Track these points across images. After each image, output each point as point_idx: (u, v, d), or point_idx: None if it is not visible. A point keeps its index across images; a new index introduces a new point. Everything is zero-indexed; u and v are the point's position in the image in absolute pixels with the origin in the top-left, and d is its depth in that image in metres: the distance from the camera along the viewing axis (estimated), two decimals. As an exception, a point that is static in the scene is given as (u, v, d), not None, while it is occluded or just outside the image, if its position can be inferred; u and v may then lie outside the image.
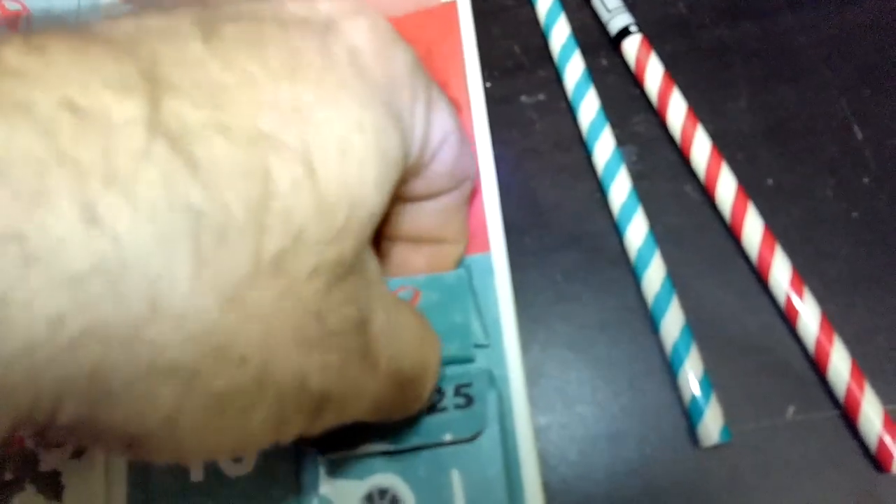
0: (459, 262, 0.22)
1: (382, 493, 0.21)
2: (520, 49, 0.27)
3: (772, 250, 0.23)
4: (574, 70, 0.26)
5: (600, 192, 0.25)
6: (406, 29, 0.25)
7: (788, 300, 0.22)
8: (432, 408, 0.20)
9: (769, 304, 0.23)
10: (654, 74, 0.25)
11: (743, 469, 0.22)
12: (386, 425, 0.20)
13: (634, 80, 0.26)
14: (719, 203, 0.24)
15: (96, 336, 0.10)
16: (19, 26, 0.29)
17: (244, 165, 0.12)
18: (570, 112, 0.26)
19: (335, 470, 0.21)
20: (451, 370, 0.22)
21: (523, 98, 0.27)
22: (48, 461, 0.23)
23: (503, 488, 0.20)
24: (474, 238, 0.23)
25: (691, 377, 0.22)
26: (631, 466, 0.22)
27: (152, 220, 0.11)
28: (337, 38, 0.15)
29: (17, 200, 0.10)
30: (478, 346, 0.22)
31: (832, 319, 0.22)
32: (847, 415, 0.21)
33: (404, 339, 0.16)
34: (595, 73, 0.26)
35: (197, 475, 0.22)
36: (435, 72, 0.25)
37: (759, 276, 0.23)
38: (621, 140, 0.25)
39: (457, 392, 0.21)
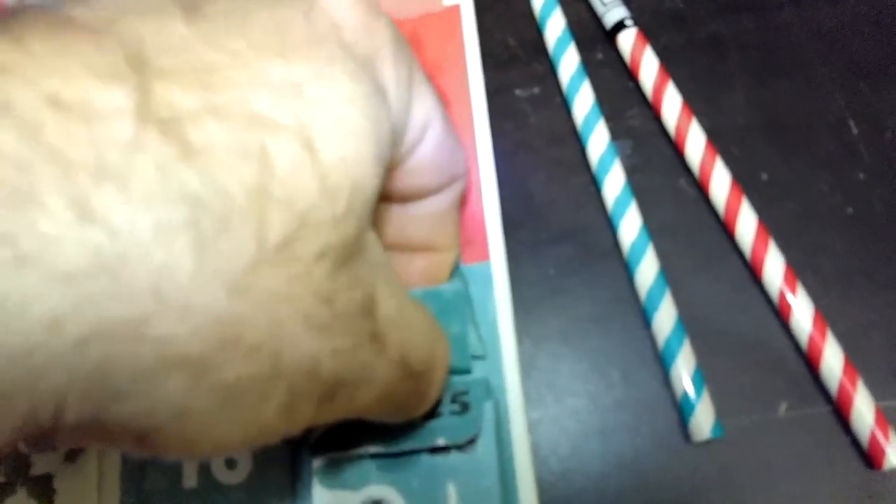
0: (453, 271, 0.22)
1: None
2: (515, 42, 0.27)
3: (765, 245, 0.22)
4: (569, 63, 0.26)
5: (594, 185, 0.25)
6: (409, 33, 0.25)
7: (782, 295, 0.22)
8: (427, 413, 0.20)
9: (762, 299, 0.23)
10: (649, 68, 0.25)
11: (734, 464, 0.22)
12: (380, 429, 0.20)
13: (629, 74, 0.26)
14: (713, 197, 0.24)
15: (99, 334, 0.10)
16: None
17: (241, 148, 0.11)
18: (565, 105, 0.26)
19: (329, 479, 0.21)
20: (449, 379, 0.21)
21: (518, 91, 0.27)
22: (40, 465, 0.23)
23: (499, 500, 0.20)
24: (474, 246, 0.23)
25: (683, 372, 0.22)
26: (622, 460, 0.22)
27: (149, 211, 0.10)
28: (321, 12, 0.14)
29: (5, 202, 0.09)
30: (475, 357, 0.21)
31: (826, 315, 0.22)
32: (839, 411, 0.21)
33: (412, 328, 0.16)
34: (590, 67, 0.26)
35: (190, 481, 0.22)
36: (437, 77, 0.25)
37: (753, 271, 0.23)
38: (616, 134, 0.25)
39: (453, 399, 0.21)
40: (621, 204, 0.24)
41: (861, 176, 0.24)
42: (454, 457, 0.20)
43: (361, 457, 0.21)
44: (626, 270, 0.24)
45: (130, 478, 0.23)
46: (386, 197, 0.19)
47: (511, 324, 0.22)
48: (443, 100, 0.19)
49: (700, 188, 0.24)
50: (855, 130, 0.24)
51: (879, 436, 0.20)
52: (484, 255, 0.23)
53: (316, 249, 0.12)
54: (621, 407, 0.23)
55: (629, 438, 0.22)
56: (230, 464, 0.22)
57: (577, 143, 0.25)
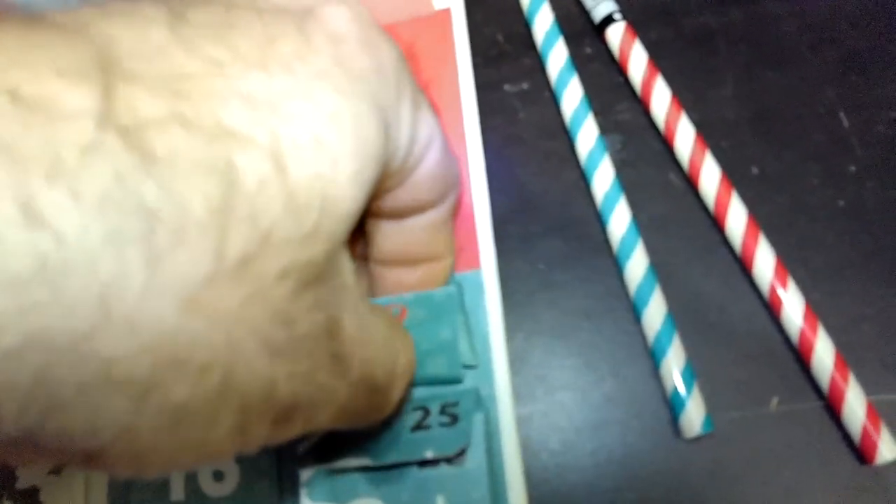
0: (450, 277, 0.22)
1: None
2: (503, 37, 0.27)
3: (756, 239, 0.22)
4: (557, 58, 0.26)
5: (584, 180, 0.25)
6: (400, 36, 0.25)
7: (772, 289, 0.22)
8: (416, 426, 0.20)
9: (753, 294, 0.23)
10: (638, 62, 0.25)
11: (726, 459, 0.21)
12: (367, 441, 0.20)
13: (619, 68, 0.26)
14: (703, 191, 0.23)
15: (39, 344, 0.10)
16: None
17: (206, 161, 0.11)
18: (554, 100, 0.26)
19: (317, 492, 0.20)
20: (438, 389, 0.21)
21: (507, 86, 0.27)
22: (26, 478, 0.23)
23: None
24: (464, 254, 0.23)
25: (674, 367, 0.22)
26: (613, 455, 0.22)
27: (100, 219, 0.10)
28: (317, 25, 0.14)
29: None
30: (466, 366, 0.21)
31: (817, 308, 0.21)
32: (831, 405, 0.21)
33: (375, 344, 0.16)
34: (579, 61, 0.26)
35: (178, 494, 0.22)
36: (427, 81, 0.24)
37: (743, 265, 0.23)
38: (605, 128, 0.25)
39: (442, 411, 0.20)
40: (611, 198, 0.24)
41: (852, 169, 0.24)
42: (444, 469, 0.20)
43: (349, 470, 0.20)
44: (616, 265, 0.23)
45: (117, 490, 0.23)
46: (383, 214, 0.19)
47: (502, 334, 0.22)
48: (435, 111, 0.19)
49: (690, 182, 0.24)
50: (846, 123, 0.24)
51: (871, 430, 0.20)
52: (475, 263, 0.23)
53: (278, 268, 0.12)
54: (611, 402, 0.22)
55: (620, 433, 0.22)
56: (217, 476, 0.22)
57: (566, 137, 0.25)
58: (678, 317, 0.22)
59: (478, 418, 0.20)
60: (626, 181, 0.24)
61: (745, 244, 0.22)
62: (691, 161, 0.24)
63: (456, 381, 0.21)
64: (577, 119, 0.25)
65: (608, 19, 0.26)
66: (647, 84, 0.25)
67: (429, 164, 0.17)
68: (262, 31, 0.13)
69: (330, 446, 0.20)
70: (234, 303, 0.11)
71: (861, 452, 0.20)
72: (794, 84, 0.25)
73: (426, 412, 0.20)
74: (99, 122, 0.10)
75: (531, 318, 0.24)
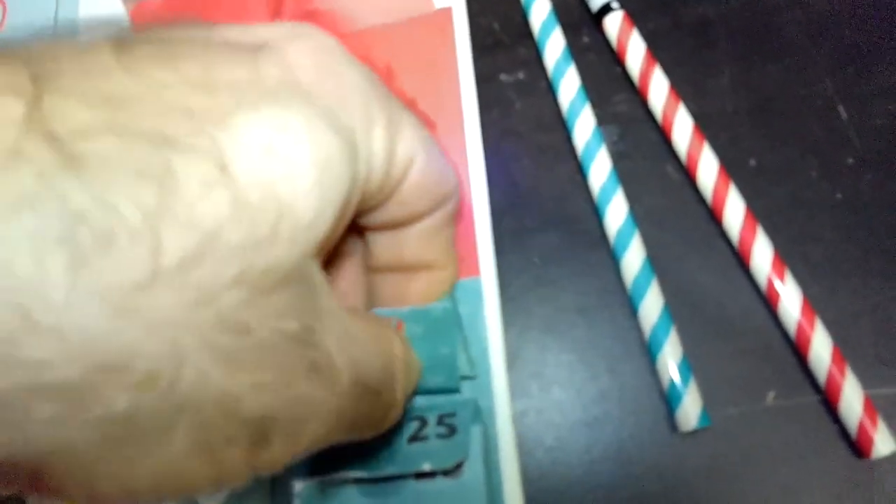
0: (453, 287, 0.21)
1: None
2: (499, 26, 0.27)
3: (753, 232, 0.22)
4: (554, 48, 0.25)
5: (580, 172, 0.24)
6: (399, 36, 0.25)
7: (770, 283, 0.22)
8: (413, 437, 0.20)
9: (750, 287, 0.23)
10: (635, 52, 0.25)
11: (722, 454, 0.21)
12: (363, 452, 0.20)
13: (616, 58, 0.26)
14: (701, 184, 0.23)
15: None
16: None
17: (141, 167, 0.11)
18: (551, 91, 0.25)
19: None
20: (436, 399, 0.21)
21: (503, 77, 0.26)
22: None
23: None
24: (463, 262, 0.22)
25: (670, 362, 0.21)
26: (608, 451, 0.22)
27: (19, 221, 0.10)
28: (270, 56, 0.14)
29: None
30: (464, 377, 0.21)
31: (814, 302, 0.21)
32: (828, 400, 0.21)
33: (364, 348, 0.16)
34: (576, 51, 0.26)
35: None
36: (428, 83, 0.24)
37: (741, 259, 0.22)
38: (602, 120, 0.25)
39: (440, 421, 0.20)
40: (607, 190, 0.23)
41: (850, 161, 0.24)
42: (440, 482, 0.20)
43: (344, 482, 0.20)
44: (612, 259, 0.23)
45: None
46: (377, 226, 0.19)
47: (501, 343, 0.21)
48: (426, 123, 0.18)
49: (687, 174, 0.24)
50: (844, 116, 0.24)
51: (868, 424, 0.20)
52: (474, 270, 0.22)
53: (231, 273, 0.11)
54: (607, 397, 0.22)
55: (615, 429, 0.22)
56: None
57: (562, 129, 0.25)
58: (674, 310, 0.22)
59: (475, 431, 0.20)
60: (623, 173, 0.24)
61: (742, 237, 0.22)
62: (689, 153, 0.23)
63: (454, 391, 0.21)
64: (574, 110, 0.25)
65: (606, 8, 0.25)
66: (645, 75, 0.24)
67: (413, 178, 0.17)
68: (208, 58, 0.13)
69: (324, 457, 0.20)
70: (176, 309, 0.11)
71: (858, 447, 0.20)
72: (792, 76, 0.25)
73: (423, 423, 0.20)
74: (23, 126, 0.10)
75: (526, 313, 0.23)
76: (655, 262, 0.23)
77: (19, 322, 0.10)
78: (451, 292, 0.21)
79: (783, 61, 0.25)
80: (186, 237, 0.11)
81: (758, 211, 0.22)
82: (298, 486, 0.20)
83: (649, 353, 0.22)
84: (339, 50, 0.16)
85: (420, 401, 0.21)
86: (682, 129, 0.24)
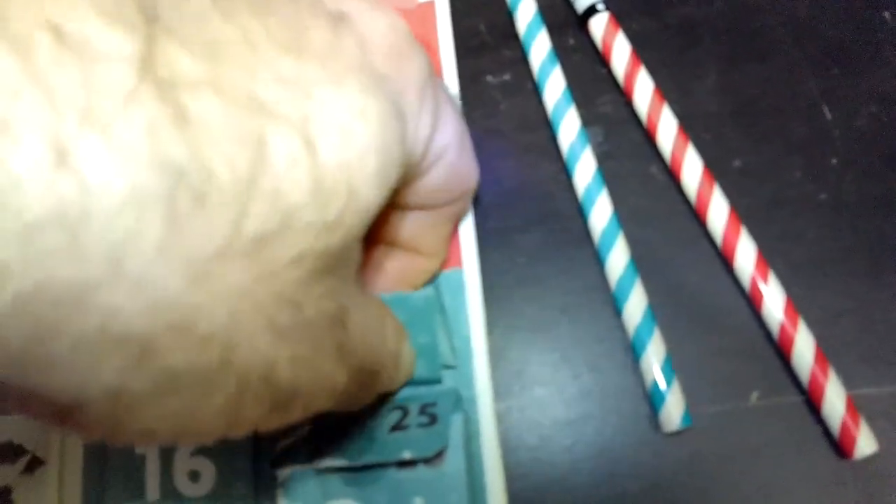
0: (433, 280, 0.21)
1: None
2: (485, 27, 0.27)
3: (737, 233, 0.22)
4: (540, 49, 0.26)
5: (565, 173, 0.24)
6: None
7: (753, 283, 0.22)
8: (395, 426, 0.20)
9: (734, 287, 0.23)
10: (620, 54, 0.25)
11: (705, 453, 0.21)
12: (345, 441, 0.20)
13: (601, 60, 0.26)
14: (685, 184, 0.23)
15: (43, 293, 0.09)
16: None
17: (238, 130, 0.11)
18: (536, 92, 0.26)
19: (293, 493, 0.20)
20: (417, 389, 0.21)
21: (488, 78, 0.26)
22: None
23: None
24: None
25: (654, 362, 0.21)
26: (590, 450, 0.22)
27: (128, 171, 0.09)
28: (350, 28, 0.14)
29: None
30: (446, 367, 0.21)
31: (797, 302, 0.21)
32: (811, 400, 0.21)
33: (376, 335, 0.16)
34: (561, 52, 0.26)
35: (153, 494, 0.22)
36: None
37: (724, 259, 0.22)
38: (587, 120, 0.25)
39: (421, 411, 0.20)
40: (592, 191, 0.23)
41: (834, 162, 0.24)
42: (421, 471, 0.20)
43: (326, 470, 0.20)
44: (596, 259, 0.23)
45: (92, 490, 0.22)
46: (391, 205, 0.19)
47: (483, 334, 0.21)
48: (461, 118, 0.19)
49: (671, 175, 0.24)
50: (828, 116, 0.24)
51: (850, 424, 0.20)
52: (456, 262, 0.22)
53: (294, 253, 0.12)
54: (589, 396, 0.22)
55: (597, 428, 0.22)
56: (194, 477, 0.22)
57: (547, 129, 0.25)
58: (658, 310, 0.22)
59: (456, 420, 0.20)
60: (608, 173, 0.24)
61: (726, 237, 0.22)
62: (673, 153, 0.23)
63: (436, 381, 0.21)
64: (559, 111, 0.25)
65: (591, 10, 0.26)
66: (630, 76, 0.25)
67: (440, 170, 0.17)
68: (296, 19, 0.13)
69: (307, 446, 0.20)
70: (243, 279, 0.11)
71: (840, 446, 0.20)
72: (776, 77, 0.25)
73: (405, 412, 0.20)
74: (139, 70, 0.10)
75: (509, 312, 0.23)
76: (640, 262, 0.23)
77: (107, 270, 0.10)
78: (432, 281, 0.21)
79: (767, 62, 0.25)
80: (267, 211, 0.11)
81: (742, 211, 0.22)
82: (282, 475, 0.20)
83: (633, 352, 0.22)
84: (408, 32, 0.16)
85: (402, 391, 0.21)
86: (667, 130, 0.24)
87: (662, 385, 0.21)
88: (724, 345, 0.22)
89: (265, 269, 0.11)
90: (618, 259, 0.23)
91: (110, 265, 0.10)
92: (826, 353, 0.21)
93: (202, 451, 0.22)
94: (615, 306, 0.22)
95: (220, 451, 0.22)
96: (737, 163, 0.24)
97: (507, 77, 0.26)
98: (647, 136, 0.24)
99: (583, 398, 0.22)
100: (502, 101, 0.26)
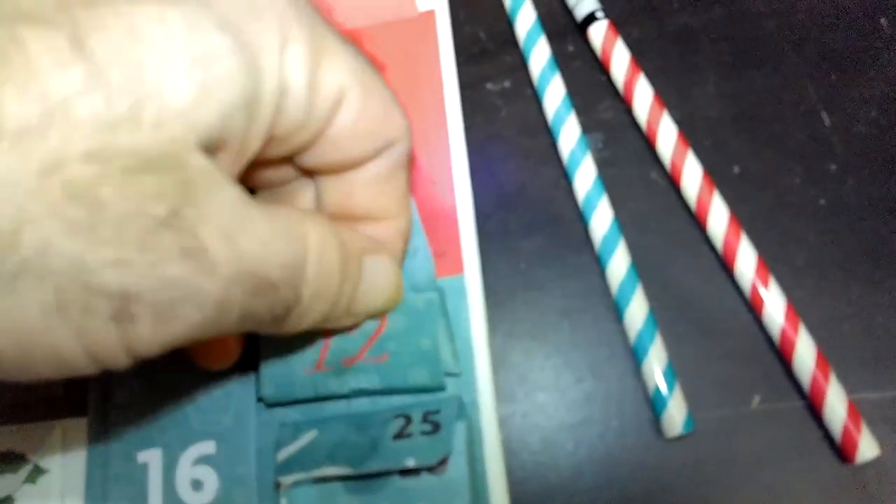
0: (407, 239, 0.21)
1: None
2: (485, 35, 0.27)
3: (737, 238, 0.22)
4: (540, 56, 0.26)
5: (565, 178, 0.24)
6: (383, 38, 0.25)
7: (754, 288, 0.22)
8: (398, 434, 0.20)
9: (735, 292, 0.23)
10: (620, 61, 0.25)
11: (707, 458, 0.21)
12: (348, 448, 0.20)
13: (601, 66, 0.26)
14: (685, 190, 0.23)
15: None
16: None
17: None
18: (536, 99, 0.26)
19: (296, 501, 0.20)
20: (420, 397, 0.21)
21: (489, 85, 0.26)
22: (0, 487, 0.23)
23: None
24: (447, 258, 0.22)
25: (655, 367, 0.21)
26: (593, 455, 0.22)
27: None
28: None
29: None
30: (448, 374, 0.21)
31: (798, 307, 0.21)
32: (812, 404, 0.21)
33: (263, 243, 0.15)
34: (561, 59, 0.26)
35: (156, 503, 0.22)
36: (411, 84, 0.24)
37: (725, 264, 0.23)
38: (587, 127, 0.25)
39: (424, 418, 0.20)
40: (592, 197, 0.24)
41: (833, 167, 0.24)
42: (425, 479, 0.20)
43: (329, 479, 0.20)
44: (597, 264, 0.23)
45: (94, 499, 0.22)
46: (319, 171, 0.18)
47: (485, 341, 0.21)
48: (376, 64, 0.18)
49: (672, 180, 0.24)
50: (827, 122, 0.24)
51: (851, 429, 0.20)
52: (458, 268, 0.22)
53: (79, 148, 0.12)
54: (592, 401, 0.22)
55: (600, 433, 0.22)
56: (196, 485, 0.22)
57: (547, 136, 0.25)
58: (660, 315, 0.22)
59: (460, 427, 0.20)
60: (608, 179, 0.24)
61: (726, 242, 0.22)
62: (673, 159, 0.24)
63: (438, 389, 0.21)
64: (559, 117, 0.25)
65: (590, 17, 0.26)
66: (630, 82, 0.25)
67: (347, 115, 0.17)
68: None
69: (310, 454, 0.20)
70: (20, 174, 0.11)
71: (842, 451, 0.20)
72: (775, 83, 0.25)
73: (408, 420, 0.20)
74: None
75: (511, 317, 0.23)
76: (640, 267, 0.23)
77: None
78: (430, 285, 0.21)
79: (766, 68, 0.25)
80: (28, 105, 0.11)
81: (742, 216, 0.23)
82: (285, 483, 0.20)
83: (635, 357, 0.22)
84: None
85: (405, 399, 0.21)
86: (667, 136, 0.24)
87: (664, 390, 0.21)
88: (726, 349, 0.22)
89: (45, 164, 0.11)
90: (619, 264, 0.23)
91: None
92: (827, 357, 0.21)
93: (205, 459, 0.22)
94: (616, 311, 0.23)
95: (224, 460, 0.22)
96: (736, 168, 0.24)
97: (507, 84, 0.26)
98: (647, 142, 0.24)
99: (585, 403, 0.22)
100: (503, 108, 0.26)
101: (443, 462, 0.20)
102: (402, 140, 0.19)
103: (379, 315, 0.20)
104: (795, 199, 0.24)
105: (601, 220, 0.23)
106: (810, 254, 0.23)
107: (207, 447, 0.22)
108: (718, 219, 0.23)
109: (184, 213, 0.13)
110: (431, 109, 0.24)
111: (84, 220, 0.12)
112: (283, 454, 0.20)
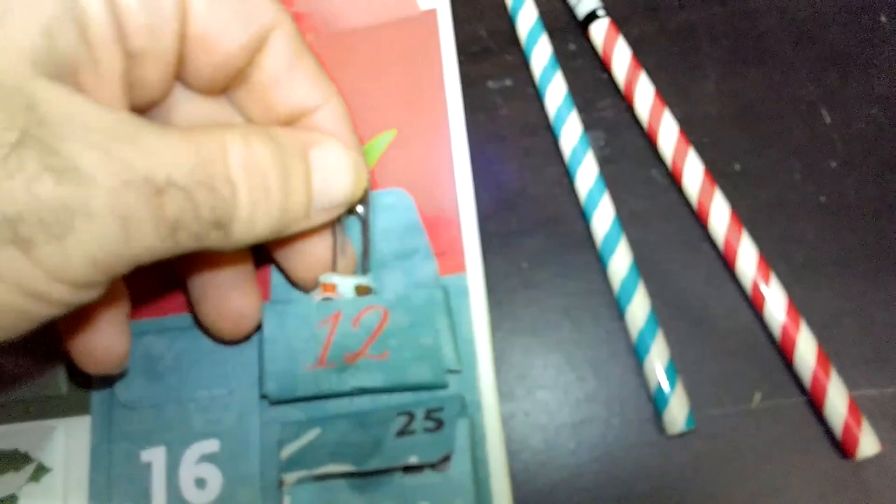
0: (349, 121, 0.20)
1: None
2: (486, 33, 0.27)
3: (738, 235, 0.22)
4: (541, 54, 0.26)
5: (567, 177, 0.25)
6: (385, 37, 0.25)
7: (755, 285, 0.22)
8: (401, 431, 0.20)
9: (735, 289, 0.23)
10: (621, 59, 0.25)
11: (708, 455, 0.21)
12: (351, 446, 0.20)
13: (602, 64, 0.26)
14: (686, 187, 0.23)
15: None
16: None
17: None
18: (537, 97, 0.26)
19: (300, 500, 0.20)
20: (423, 394, 0.21)
21: (490, 83, 0.26)
22: (4, 486, 0.23)
23: None
24: (448, 257, 0.22)
25: (657, 364, 0.22)
26: (594, 453, 0.22)
27: None
28: None
29: None
30: (450, 371, 0.21)
31: (798, 304, 0.21)
32: (813, 401, 0.21)
33: (152, 151, 0.15)
34: (562, 58, 0.26)
35: (159, 501, 0.22)
36: (413, 83, 0.24)
37: (726, 261, 0.23)
38: (588, 125, 0.25)
39: (427, 416, 0.20)
40: (594, 195, 0.24)
41: (833, 165, 0.24)
42: (428, 476, 0.20)
43: (332, 476, 0.20)
44: (598, 262, 0.23)
45: (97, 498, 0.22)
46: (210, 85, 0.19)
47: (488, 339, 0.21)
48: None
49: (672, 178, 0.24)
50: (827, 119, 0.24)
51: (852, 425, 0.20)
52: (459, 266, 0.22)
53: None
54: (593, 400, 0.22)
55: (601, 431, 0.22)
56: (200, 483, 0.22)
57: (549, 134, 0.25)
58: (661, 312, 0.22)
59: (462, 424, 0.20)
60: (609, 177, 0.24)
61: (727, 240, 0.22)
62: (674, 157, 0.24)
63: (440, 386, 0.21)
64: (561, 116, 0.25)
65: (592, 15, 0.26)
66: (630, 80, 0.25)
67: (199, 7, 0.17)
68: None
69: (313, 452, 0.20)
70: None
71: (842, 447, 0.20)
72: (775, 80, 0.25)
73: (410, 417, 0.20)
74: None
75: (512, 316, 0.24)
76: (642, 265, 0.23)
77: None
78: (433, 282, 0.21)
79: (766, 66, 0.25)
80: None
81: (742, 214, 0.23)
82: (288, 481, 0.20)
83: (636, 355, 0.22)
84: None
85: (407, 397, 0.21)
86: (668, 134, 0.24)
87: (666, 387, 0.21)
88: (727, 347, 0.22)
89: None
90: (620, 262, 0.23)
91: None
92: (828, 354, 0.21)
93: (208, 458, 0.22)
94: (618, 309, 0.23)
95: (227, 458, 0.22)
96: (737, 166, 0.24)
97: (508, 82, 0.26)
98: (648, 139, 0.25)
99: (586, 401, 0.22)
100: (504, 106, 0.26)
101: (446, 459, 0.20)
102: (282, 22, 0.19)
103: (348, 208, 0.20)
104: (796, 197, 0.24)
105: (602, 218, 0.23)
106: (811, 251, 0.23)
107: (211, 445, 0.22)
108: (719, 216, 0.23)
109: (38, 135, 0.14)
110: (433, 108, 0.24)
111: None
112: (287, 452, 0.21)
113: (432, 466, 0.20)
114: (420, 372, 0.21)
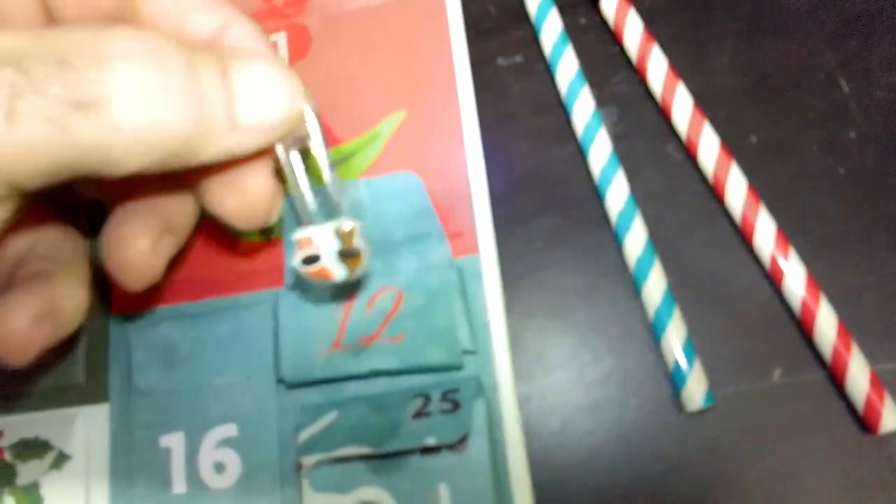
0: (264, 40, 0.19)
1: None
2: (495, 9, 0.27)
3: (756, 210, 0.22)
4: (551, 29, 0.25)
5: (580, 154, 0.24)
6: (394, 15, 0.25)
7: (773, 260, 0.21)
8: (418, 413, 0.20)
9: (754, 265, 0.22)
10: (633, 31, 0.25)
11: (727, 433, 0.21)
12: (368, 429, 0.20)
13: (614, 38, 0.25)
14: (702, 162, 0.23)
15: None
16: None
17: None
18: (549, 73, 0.25)
19: (319, 483, 0.20)
20: (439, 376, 0.21)
21: (500, 60, 0.26)
22: (26, 473, 0.23)
23: (492, 502, 0.19)
24: (461, 238, 0.22)
25: (674, 343, 0.21)
26: (612, 433, 0.22)
27: None
28: None
29: None
30: (466, 352, 0.21)
31: (818, 278, 0.21)
32: (834, 376, 0.21)
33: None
34: (573, 32, 0.25)
35: (180, 487, 0.22)
36: (422, 62, 0.24)
37: (743, 236, 0.22)
38: (601, 100, 0.25)
39: (443, 397, 0.20)
40: (608, 172, 0.23)
41: (852, 135, 0.23)
42: (446, 457, 0.20)
43: (351, 459, 0.20)
44: (613, 240, 0.23)
45: (118, 484, 0.23)
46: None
47: (502, 320, 0.21)
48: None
49: (688, 153, 0.24)
50: (846, 89, 0.24)
51: (874, 399, 0.20)
52: (472, 248, 0.22)
53: None
54: (610, 379, 0.22)
55: (618, 411, 0.22)
56: (219, 468, 0.22)
57: (560, 111, 0.25)
58: (677, 290, 0.22)
59: (479, 405, 0.20)
60: (623, 153, 0.24)
61: (744, 215, 0.22)
62: (689, 132, 0.23)
63: (456, 367, 0.21)
64: (573, 92, 0.24)
65: (602, -12, 0.25)
66: (643, 54, 0.24)
67: None
68: None
69: (331, 435, 0.20)
70: None
71: (864, 422, 0.20)
72: (792, 50, 0.24)
73: (427, 399, 0.20)
74: None
75: (527, 297, 0.23)
76: (657, 242, 0.23)
77: None
78: (447, 264, 0.21)
79: (782, 35, 0.25)
80: None
81: (759, 188, 0.22)
82: (307, 464, 0.20)
83: (653, 333, 0.22)
84: None
85: (424, 378, 0.21)
86: (682, 108, 0.23)
87: (684, 365, 0.21)
88: (745, 323, 0.22)
89: None
90: (635, 240, 0.23)
91: None
92: (848, 328, 0.21)
93: (227, 442, 0.22)
94: (634, 287, 0.22)
95: (245, 443, 0.22)
96: (754, 139, 0.24)
97: (518, 59, 0.26)
98: (663, 114, 0.24)
99: (603, 381, 0.22)
100: (514, 84, 0.26)
101: (463, 440, 0.20)
102: None
103: (283, 129, 0.18)
104: (814, 169, 0.23)
105: (617, 195, 0.23)
106: (830, 224, 0.23)
107: (229, 430, 0.22)
108: (736, 191, 0.22)
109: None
110: (442, 87, 0.24)
111: None
112: (305, 435, 0.21)
113: (450, 448, 0.20)
114: (435, 353, 0.21)
